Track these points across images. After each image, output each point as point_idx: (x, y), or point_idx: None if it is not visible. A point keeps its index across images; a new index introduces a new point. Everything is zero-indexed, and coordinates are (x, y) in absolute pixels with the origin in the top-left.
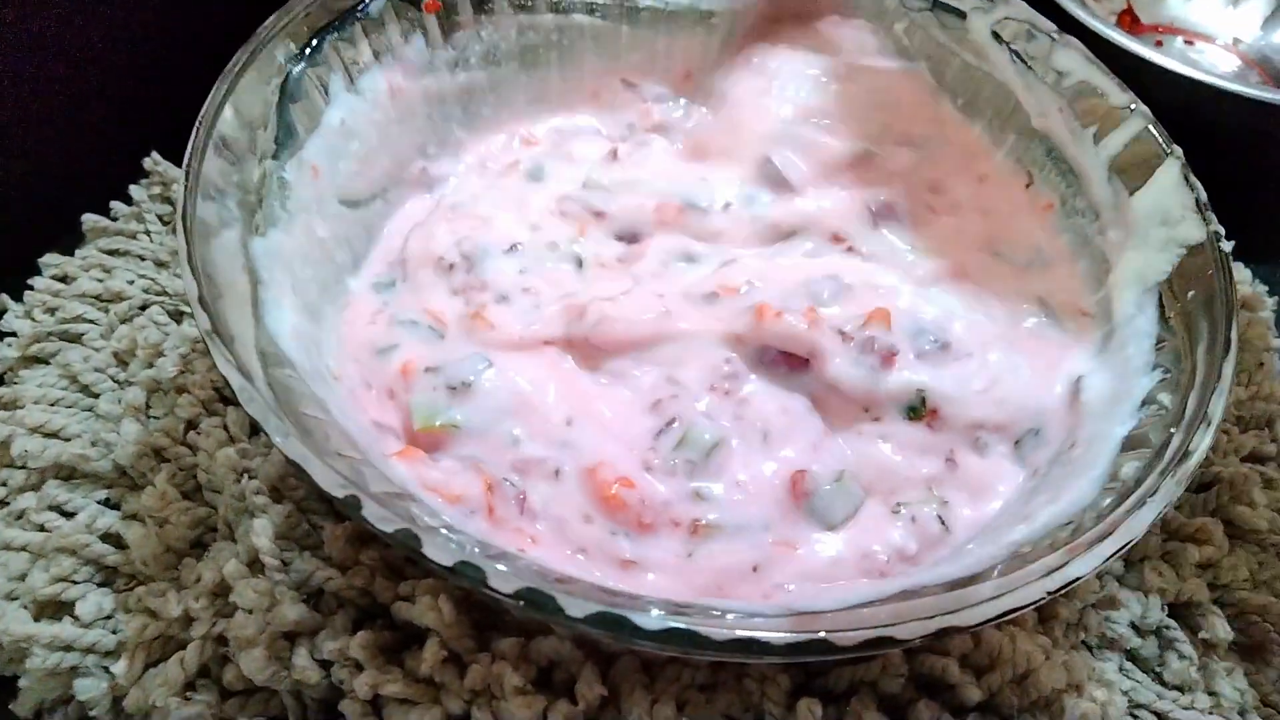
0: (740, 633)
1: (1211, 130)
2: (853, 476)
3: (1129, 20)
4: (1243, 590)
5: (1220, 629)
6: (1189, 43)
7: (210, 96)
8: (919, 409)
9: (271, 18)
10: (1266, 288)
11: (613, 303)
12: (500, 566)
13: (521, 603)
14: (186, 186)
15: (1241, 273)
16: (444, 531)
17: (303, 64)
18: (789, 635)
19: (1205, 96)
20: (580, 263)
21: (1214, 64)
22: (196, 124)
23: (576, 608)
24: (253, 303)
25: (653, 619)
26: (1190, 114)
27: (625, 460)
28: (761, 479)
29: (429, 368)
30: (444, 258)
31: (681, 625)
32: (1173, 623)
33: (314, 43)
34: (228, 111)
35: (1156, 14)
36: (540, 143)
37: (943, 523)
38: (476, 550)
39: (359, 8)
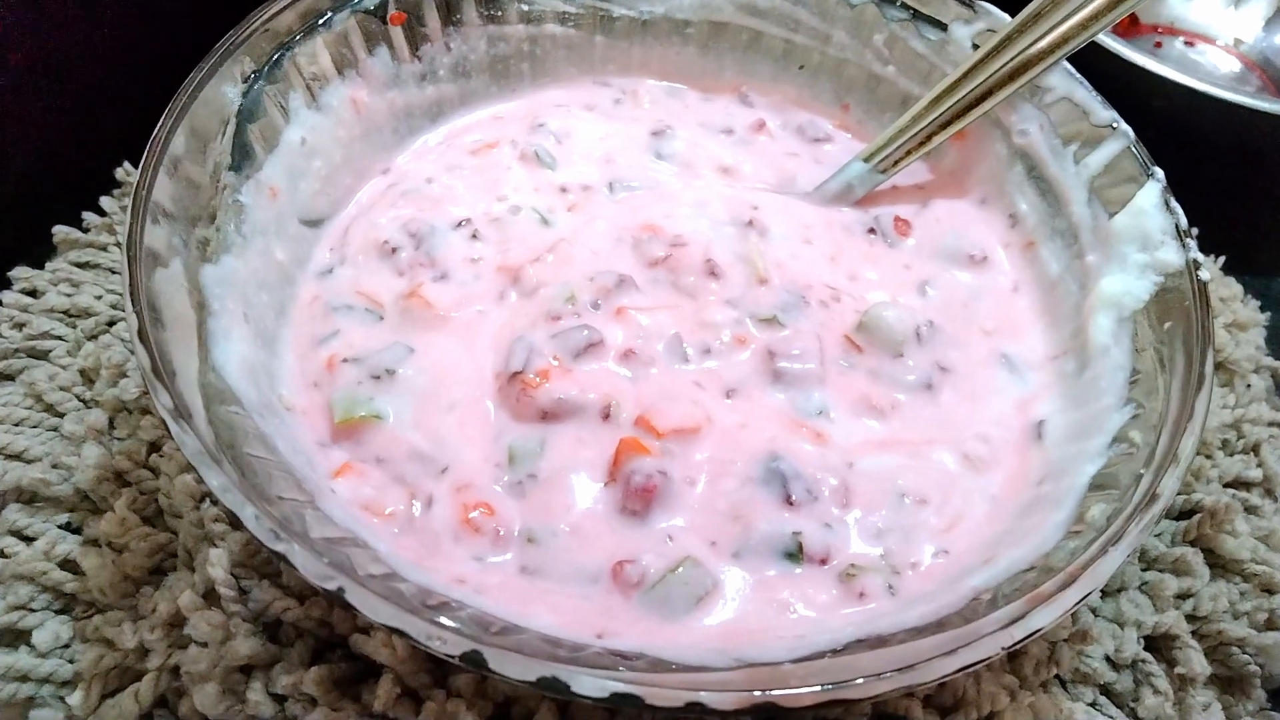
0: (686, 695)
1: (1209, 139)
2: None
3: (1128, 20)
4: (1222, 621)
5: (1197, 663)
6: (1189, 44)
7: (163, 117)
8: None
9: (229, 33)
10: (1259, 303)
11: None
12: (444, 619)
13: (460, 663)
14: (134, 212)
15: (1232, 288)
16: (381, 581)
17: (261, 81)
18: (736, 697)
19: (1202, 105)
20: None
21: (1215, 65)
22: (147, 147)
23: (518, 669)
24: (199, 335)
25: (595, 684)
26: (1187, 123)
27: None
28: None
29: (347, 358)
30: (388, 241)
31: (625, 690)
32: (1149, 656)
33: (274, 58)
34: (180, 133)
35: (1157, 14)
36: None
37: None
38: (417, 601)
39: (321, 21)
